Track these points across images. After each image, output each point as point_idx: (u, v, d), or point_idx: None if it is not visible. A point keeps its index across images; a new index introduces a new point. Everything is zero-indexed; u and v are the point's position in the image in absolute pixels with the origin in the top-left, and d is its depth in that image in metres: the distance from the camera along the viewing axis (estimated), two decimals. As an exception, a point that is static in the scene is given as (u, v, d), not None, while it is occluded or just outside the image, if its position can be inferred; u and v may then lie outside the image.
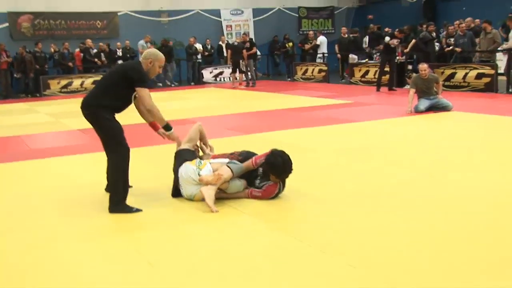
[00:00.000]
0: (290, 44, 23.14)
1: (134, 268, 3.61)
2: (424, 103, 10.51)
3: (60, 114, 13.16)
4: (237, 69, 18.83)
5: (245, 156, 5.37)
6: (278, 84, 19.90)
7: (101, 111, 4.84)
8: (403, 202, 4.84)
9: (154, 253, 3.87)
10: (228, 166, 5.03)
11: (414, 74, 12.30)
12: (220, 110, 12.41)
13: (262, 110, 12.13)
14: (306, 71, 20.48)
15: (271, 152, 5.15)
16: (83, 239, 4.25)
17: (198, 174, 4.98)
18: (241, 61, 18.53)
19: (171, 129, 5.15)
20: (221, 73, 21.95)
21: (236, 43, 19.32)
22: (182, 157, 5.30)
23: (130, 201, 4.98)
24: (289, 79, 21.46)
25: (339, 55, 19.51)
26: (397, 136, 8.26)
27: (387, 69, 15.23)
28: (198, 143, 5.67)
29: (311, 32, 22.11)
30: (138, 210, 4.86)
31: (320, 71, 19.75)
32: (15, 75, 19.72)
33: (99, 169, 5.83)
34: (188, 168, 5.07)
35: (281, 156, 5.09)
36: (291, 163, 5.10)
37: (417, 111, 10.43)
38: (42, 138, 9.66)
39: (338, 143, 7.83)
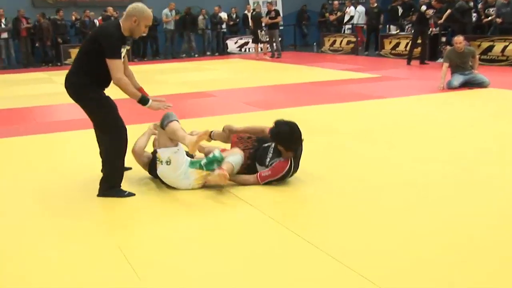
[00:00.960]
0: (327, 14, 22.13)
1: (119, 274, 3.12)
2: (458, 79, 9.78)
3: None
4: (258, 39, 18.13)
5: (257, 148, 4.86)
6: (305, 55, 19.21)
7: (84, 89, 4.25)
8: (427, 201, 4.24)
9: (141, 255, 3.38)
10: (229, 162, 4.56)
11: (448, 47, 11.53)
12: (241, 83, 11.85)
13: (285, 84, 11.54)
14: (334, 42, 19.69)
15: (275, 123, 4.64)
16: (66, 236, 3.77)
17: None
18: (259, 30, 17.81)
19: (148, 101, 4.35)
20: (246, 43, 21.27)
21: (254, 12, 18.60)
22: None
23: (124, 185, 4.51)
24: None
25: (365, 26, 18.67)
26: (427, 116, 7.58)
27: (419, 41, 14.40)
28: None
29: (336, 2, 21.26)
30: (130, 194, 4.40)
31: (348, 42, 18.95)
32: (36, 44, 19.37)
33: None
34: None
35: (287, 124, 4.61)
36: (300, 132, 4.62)
37: (450, 87, 9.72)
38: (52, 110, 9.22)
39: (363, 123, 7.21)
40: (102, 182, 4.43)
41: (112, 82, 4.28)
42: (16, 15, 18.61)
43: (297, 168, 4.72)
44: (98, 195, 4.38)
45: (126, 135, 4.38)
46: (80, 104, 4.35)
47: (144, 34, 4.46)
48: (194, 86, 11.32)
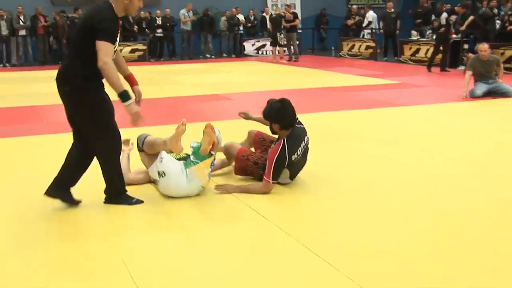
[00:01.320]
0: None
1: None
2: (482, 88, 9.48)
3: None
4: (277, 42, 17.89)
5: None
6: (323, 60, 18.93)
7: (84, 84, 3.81)
8: (454, 217, 3.99)
9: (144, 268, 3.16)
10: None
11: (471, 55, 11.23)
12: (257, 86, 11.63)
13: (302, 88, 11.30)
14: (352, 47, 19.40)
15: (268, 102, 4.66)
16: (64, 239, 3.56)
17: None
18: (278, 34, 17.56)
19: (129, 99, 3.77)
20: (263, 46, 21.02)
21: (273, 15, 18.33)
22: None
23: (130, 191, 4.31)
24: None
25: (382, 31, 18.35)
26: (448, 125, 7.30)
27: (441, 48, 14.06)
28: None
29: (354, 7, 20.99)
30: (139, 202, 4.16)
31: (367, 47, 18.66)
32: (51, 41, 19.27)
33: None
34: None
35: (279, 101, 4.59)
36: (293, 108, 4.58)
37: (473, 96, 9.42)
38: (61, 109, 9.03)
39: (381, 130, 6.95)
40: (107, 190, 4.16)
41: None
42: (34, 13, 18.54)
43: (297, 153, 4.49)
44: (105, 202, 4.15)
45: (120, 137, 4.10)
46: (77, 102, 3.89)
47: (141, 6, 4.05)
48: (209, 88, 11.12)
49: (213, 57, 20.38)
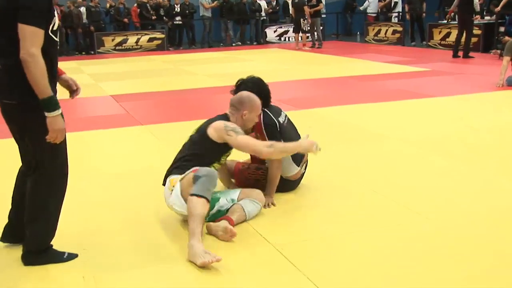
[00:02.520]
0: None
1: None
2: (521, 75, 8.63)
3: (103, 75, 12.07)
4: (300, 29, 17.07)
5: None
6: (347, 45, 18.09)
7: (29, 102, 2.80)
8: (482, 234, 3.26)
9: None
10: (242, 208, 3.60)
11: (508, 38, 10.34)
12: (277, 76, 10.86)
13: (324, 78, 10.58)
14: (378, 31, 18.48)
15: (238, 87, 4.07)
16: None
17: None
18: (302, 19, 16.74)
19: (55, 109, 2.78)
20: (286, 32, 20.23)
21: (296, 0, 17.47)
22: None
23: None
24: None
25: (408, 15, 17.39)
26: (483, 119, 6.51)
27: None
28: None
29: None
30: (71, 257, 3.11)
31: (394, 32, 17.73)
32: (68, 32, 18.81)
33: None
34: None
35: (250, 81, 4.12)
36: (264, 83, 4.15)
37: (511, 84, 8.57)
38: (69, 105, 8.47)
39: (408, 127, 6.20)
40: (27, 245, 3.08)
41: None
42: (49, 2, 18.02)
43: (282, 118, 4.10)
44: (26, 264, 3.04)
45: (67, 179, 3.08)
46: (17, 117, 2.90)
47: None
48: (225, 79, 10.43)
49: (233, 44, 19.70)
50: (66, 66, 14.50)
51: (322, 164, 4.54)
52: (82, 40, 18.45)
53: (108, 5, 19.24)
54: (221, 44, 19.80)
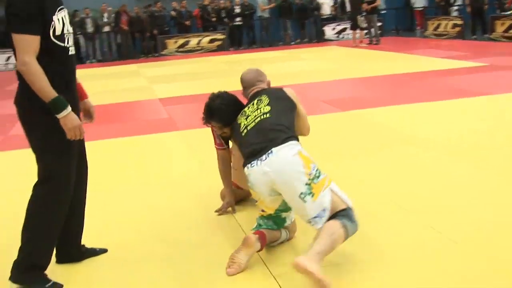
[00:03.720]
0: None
1: None
2: None
3: (158, 78, 11.90)
4: (356, 26, 16.30)
5: None
6: (406, 41, 17.16)
7: (31, 104, 2.63)
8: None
9: None
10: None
11: None
12: (329, 75, 10.35)
13: (376, 75, 9.88)
14: (438, 26, 17.42)
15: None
16: None
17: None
18: (359, 16, 15.96)
19: (62, 109, 2.58)
20: (344, 29, 19.45)
21: (353, -4, 16.66)
22: None
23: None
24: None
25: (469, 9, 16.23)
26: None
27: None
28: None
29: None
30: (57, 286, 2.75)
31: (454, 26, 16.64)
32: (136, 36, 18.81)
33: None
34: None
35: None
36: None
37: None
38: (113, 109, 8.26)
39: (457, 131, 5.50)
40: (18, 259, 2.74)
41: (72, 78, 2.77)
42: (118, 9, 18.10)
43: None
44: (10, 279, 2.72)
45: (69, 196, 2.78)
46: (27, 128, 2.73)
47: None
48: (275, 79, 9.94)
49: (292, 43, 19.15)
50: (126, 69, 14.59)
51: (341, 175, 3.99)
52: (148, 43, 18.43)
53: (173, 10, 19.14)
54: (281, 43, 19.30)
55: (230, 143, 3.60)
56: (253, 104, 3.14)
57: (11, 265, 2.73)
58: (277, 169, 2.78)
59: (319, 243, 2.59)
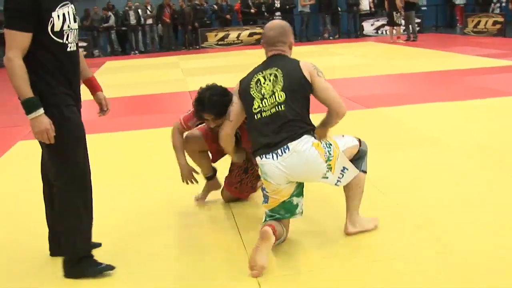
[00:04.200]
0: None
1: None
2: None
3: (194, 70, 11.79)
4: (393, 22, 15.78)
5: None
6: (444, 38, 16.51)
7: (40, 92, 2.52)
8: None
9: None
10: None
11: None
12: (360, 71, 10.01)
13: (408, 73, 9.51)
14: (478, 23, 16.69)
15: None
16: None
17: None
18: (394, 12, 15.43)
19: (33, 110, 2.47)
20: (382, 25, 18.86)
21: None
22: None
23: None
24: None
25: (510, 5, 15.47)
26: None
27: None
28: None
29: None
30: (109, 268, 2.73)
31: (494, 23, 15.90)
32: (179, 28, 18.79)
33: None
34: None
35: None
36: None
37: None
38: (145, 100, 8.16)
39: (483, 132, 5.14)
40: (64, 258, 2.74)
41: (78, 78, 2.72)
42: (161, 2, 18.08)
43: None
44: (65, 276, 2.71)
45: (89, 179, 2.71)
46: None
47: None
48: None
49: (331, 38, 18.74)
50: (166, 61, 14.56)
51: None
52: (189, 35, 18.37)
53: (215, 3, 19.02)
54: (319, 37, 18.92)
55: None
56: (269, 78, 2.89)
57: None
58: (293, 169, 2.79)
59: (353, 200, 2.98)
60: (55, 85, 2.54)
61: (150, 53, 17.42)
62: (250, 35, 18.13)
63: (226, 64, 12.55)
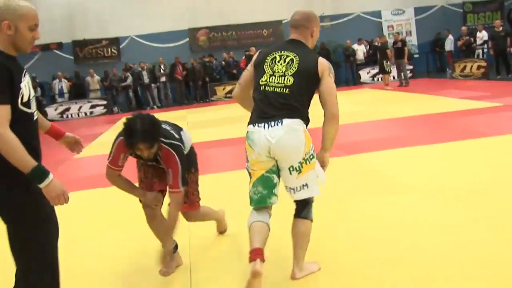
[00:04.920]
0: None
1: None
2: None
3: (201, 123, 12.04)
4: (384, 70, 16.07)
5: None
6: (434, 83, 16.62)
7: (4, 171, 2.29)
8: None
9: None
10: None
11: None
12: (350, 118, 10.11)
13: (392, 118, 9.62)
14: (464, 67, 16.85)
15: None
16: None
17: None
18: (384, 61, 15.73)
19: (45, 178, 2.26)
20: (377, 73, 19.17)
21: (378, 44, 16.48)
22: None
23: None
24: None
25: (492, 51, 15.66)
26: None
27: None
28: None
29: (463, 28, 18.65)
30: None
31: (479, 67, 16.06)
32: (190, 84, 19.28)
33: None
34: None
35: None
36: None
37: None
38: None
39: (453, 175, 5.18)
40: None
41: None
42: (173, 61, 18.63)
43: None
44: None
45: (58, 277, 2.47)
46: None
47: (37, 38, 2.43)
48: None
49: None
50: (176, 115, 14.80)
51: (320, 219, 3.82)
52: (200, 90, 18.82)
53: (222, 60, 19.53)
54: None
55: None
56: (285, 60, 2.97)
57: None
58: (279, 140, 2.85)
59: (301, 248, 2.99)
60: None
61: (164, 108, 17.80)
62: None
63: (228, 116, 12.77)
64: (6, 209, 2.34)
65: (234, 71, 19.07)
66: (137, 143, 2.99)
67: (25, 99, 2.36)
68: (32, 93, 2.45)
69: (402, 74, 16.09)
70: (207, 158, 7.10)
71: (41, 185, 2.25)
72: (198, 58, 19.28)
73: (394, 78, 17.25)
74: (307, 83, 2.92)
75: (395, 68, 16.47)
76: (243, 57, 19.35)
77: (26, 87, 2.38)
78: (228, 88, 18.50)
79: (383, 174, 5.50)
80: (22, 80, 2.36)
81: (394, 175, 5.40)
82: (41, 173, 2.25)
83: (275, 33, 21.39)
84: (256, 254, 2.75)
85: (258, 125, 2.89)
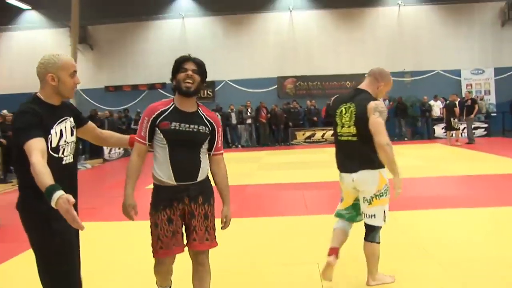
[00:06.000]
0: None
1: None
2: None
3: (271, 165, 12.08)
4: (451, 127, 15.55)
5: None
6: (503, 142, 15.74)
7: (25, 203, 2.42)
8: None
9: None
10: None
11: None
12: (408, 173, 9.77)
13: (447, 175, 9.21)
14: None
15: None
16: None
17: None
18: (452, 119, 15.23)
19: (53, 194, 2.12)
20: (445, 129, 18.44)
21: (448, 102, 15.95)
22: None
23: None
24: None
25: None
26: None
27: None
28: None
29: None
30: None
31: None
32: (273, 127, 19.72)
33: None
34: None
35: None
36: None
37: None
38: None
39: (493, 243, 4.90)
40: None
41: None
42: (258, 105, 19.24)
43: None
44: None
45: None
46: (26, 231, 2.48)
47: (78, 83, 2.55)
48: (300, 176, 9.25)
49: (405, 139, 18.59)
50: (254, 155, 14.93)
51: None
52: (281, 133, 19.20)
53: (306, 107, 19.85)
54: (395, 138, 18.81)
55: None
56: (348, 111, 3.39)
57: None
58: (359, 182, 3.40)
59: (372, 263, 3.54)
60: None
61: (248, 148, 18.32)
62: (333, 135, 18.49)
63: (300, 161, 12.62)
64: (28, 236, 2.45)
65: (315, 118, 19.27)
66: (188, 60, 2.91)
67: (54, 144, 2.43)
68: (65, 140, 2.50)
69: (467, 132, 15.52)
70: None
71: (52, 204, 2.14)
72: (283, 104, 19.73)
73: (462, 135, 16.56)
74: (364, 126, 3.25)
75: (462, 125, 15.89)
76: (325, 106, 19.55)
77: (57, 134, 2.44)
78: (308, 133, 18.73)
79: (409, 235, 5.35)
80: (54, 126, 2.43)
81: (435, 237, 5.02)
82: (48, 193, 2.14)
83: (358, 85, 21.18)
84: (332, 251, 3.51)
85: (344, 172, 3.47)
